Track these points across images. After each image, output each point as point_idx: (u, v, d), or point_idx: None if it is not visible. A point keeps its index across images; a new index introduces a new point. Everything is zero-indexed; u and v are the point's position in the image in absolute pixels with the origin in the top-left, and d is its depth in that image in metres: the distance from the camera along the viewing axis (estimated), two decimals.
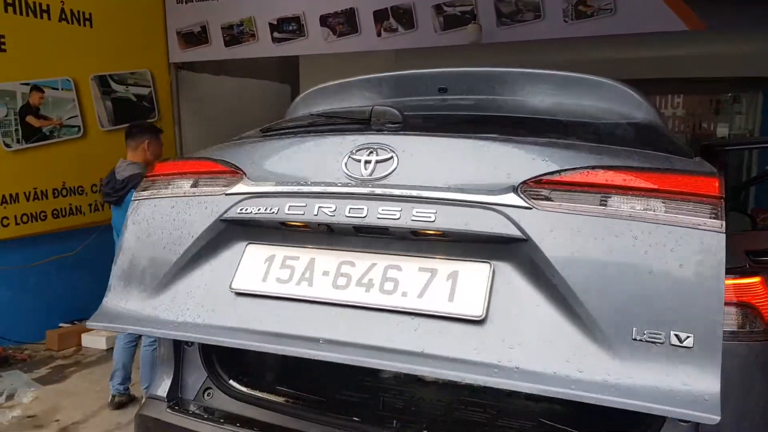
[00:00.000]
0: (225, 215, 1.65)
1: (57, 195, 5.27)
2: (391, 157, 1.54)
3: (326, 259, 1.55)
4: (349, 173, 1.55)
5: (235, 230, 1.65)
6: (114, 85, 5.83)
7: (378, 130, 1.62)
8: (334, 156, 1.60)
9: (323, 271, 1.53)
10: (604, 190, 1.38)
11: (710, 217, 1.30)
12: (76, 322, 5.23)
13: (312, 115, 1.93)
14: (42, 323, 5.14)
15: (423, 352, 1.36)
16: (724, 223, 1.29)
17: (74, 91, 5.42)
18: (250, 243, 1.64)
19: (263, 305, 1.54)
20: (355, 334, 1.43)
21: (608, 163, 1.42)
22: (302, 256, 1.58)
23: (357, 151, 1.58)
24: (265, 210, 1.60)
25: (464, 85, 2.19)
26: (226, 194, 1.67)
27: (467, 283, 1.41)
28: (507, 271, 1.40)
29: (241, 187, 1.66)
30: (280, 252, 1.60)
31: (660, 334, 1.26)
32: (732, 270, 1.40)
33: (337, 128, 1.74)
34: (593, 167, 1.41)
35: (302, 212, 1.55)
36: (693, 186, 1.35)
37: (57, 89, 5.29)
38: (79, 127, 5.49)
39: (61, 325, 5.26)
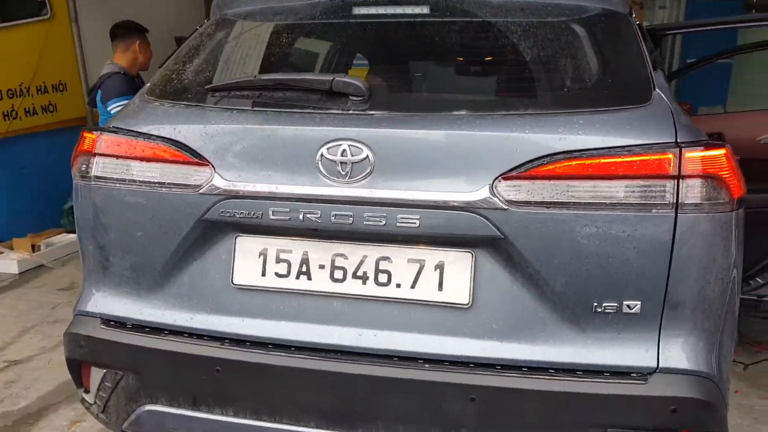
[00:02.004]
0: (206, 216, 1.67)
1: None
2: (366, 157, 1.55)
3: (319, 252, 1.66)
4: (327, 175, 1.57)
5: (220, 225, 1.70)
6: None
7: (344, 117, 1.58)
8: (307, 153, 1.59)
9: (319, 265, 1.66)
10: (572, 180, 1.49)
11: (662, 198, 1.46)
12: None
13: (262, 78, 1.78)
14: None
15: (420, 339, 1.60)
16: (676, 201, 1.47)
17: None
18: (238, 236, 1.71)
19: (269, 300, 1.70)
20: (361, 324, 1.64)
21: (574, 145, 1.49)
22: (295, 249, 1.68)
23: (330, 147, 1.57)
24: (248, 214, 1.64)
25: None
26: (201, 194, 1.67)
27: (453, 273, 1.59)
28: (487, 260, 1.57)
29: (215, 186, 1.65)
30: (272, 245, 1.69)
31: (614, 305, 1.53)
32: (697, 143, 1.50)
33: (299, 106, 1.67)
34: (560, 155, 1.49)
35: (287, 218, 1.61)
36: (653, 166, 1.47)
37: None
38: None
39: None
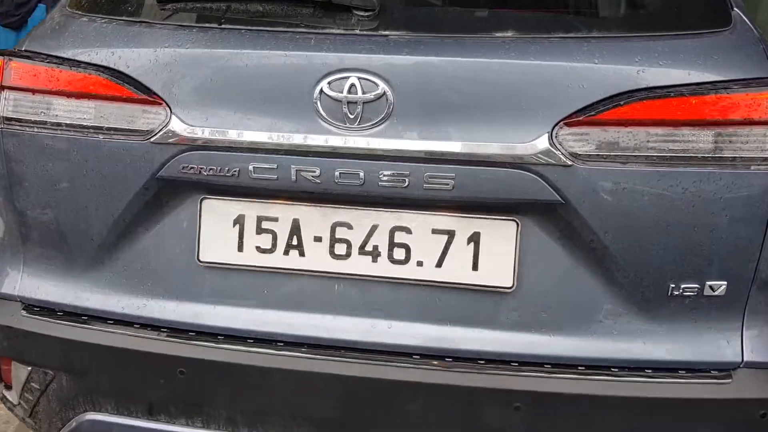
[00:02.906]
0: (161, 173, 1.25)
1: None
2: (383, 94, 1.15)
3: (314, 221, 1.26)
4: (329, 119, 1.17)
5: (180, 185, 1.27)
6: None
7: (351, 39, 1.17)
8: (300, 87, 1.18)
9: (314, 237, 1.27)
10: (654, 127, 1.14)
11: None
12: None
13: None
14: None
15: (449, 332, 1.25)
16: None
17: None
18: (205, 198, 1.29)
19: (249, 282, 1.30)
20: (372, 314, 1.27)
21: (655, 80, 1.13)
22: (282, 216, 1.27)
23: (332, 81, 1.16)
24: (219, 171, 1.22)
25: None
26: (153, 143, 1.23)
27: (492, 248, 1.23)
28: (537, 230, 1.22)
29: (172, 132, 1.22)
30: (250, 210, 1.28)
31: (695, 287, 1.22)
32: None
33: (288, 23, 1.23)
34: (640, 93, 1.13)
35: (274, 176, 1.20)
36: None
37: None
38: None
39: None
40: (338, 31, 1.22)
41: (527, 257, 1.22)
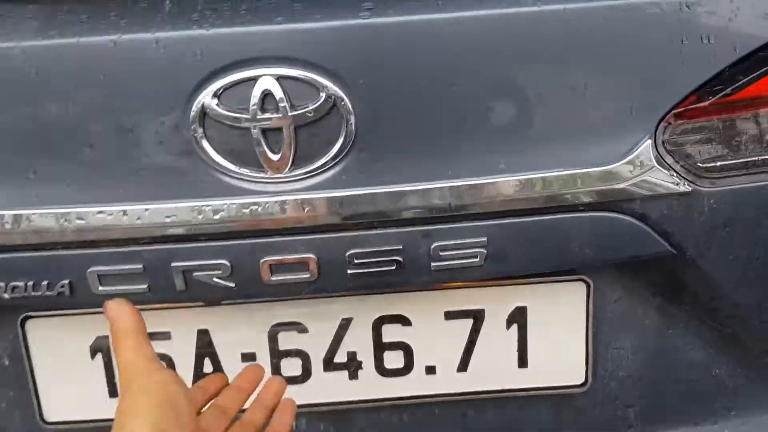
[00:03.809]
0: None
1: None
2: (332, 105, 0.57)
3: (238, 328, 0.71)
4: (230, 165, 0.58)
5: None
6: None
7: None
8: (164, 108, 0.57)
9: (242, 354, 0.72)
10: None
11: None
12: None
13: None
14: None
15: None
16: None
17: None
18: (28, 317, 0.70)
19: None
20: None
21: None
22: (176, 330, 0.71)
23: (224, 89, 0.56)
24: (35, 287, 0.63)
25: None
26: None
27: (546, 328, 0.72)
28: (619, 291, 0.72)
29: None
30: None
31: None
32: None
33: None
34: None
35: (143, 286, 0.62)
36: None
37: None
38: None
39: None
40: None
41: (605, 334, 0.74)
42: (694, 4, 0.58)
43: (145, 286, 0.63)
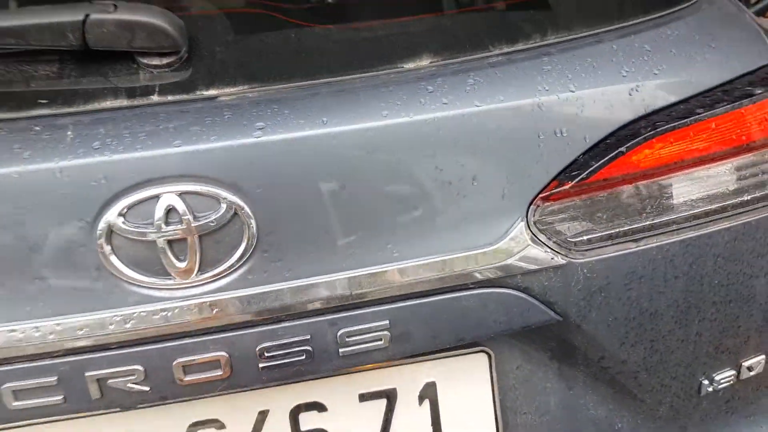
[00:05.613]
0: None
1: None
2: (233, 214, 0.62)
3: (148, 430, 0.72)
4: (136, 275, 0.62)
5: None
6: None
7: (145, 118, 0.61)
8: (68, 228, 0.60)
9: None
10: (669, 175, 0.73)
11: None
12: None
13: None
14: None
15: None
16: None
17: None
18: None
19: None
20: None
21: (656, 100, 0.72)
22: None
23: (128, 208, 0.60)
24: None
25: None
26: None
27: (456, 399, 0.77)
28: (518, 359, 0.78)
29: None
30: None
31: (730, 373, 0.86)
32: None
33: (18, 97, 0.64)
34: (645, 128, 0.71)
35: (57, 397, 0.63)
36: None
37: None
38: None
39: None
40: (120, 104, 0.65)
41: (511, 400, 0.79)
42: (545, 104, 0.68)
43: (61, 397, 0.64)
